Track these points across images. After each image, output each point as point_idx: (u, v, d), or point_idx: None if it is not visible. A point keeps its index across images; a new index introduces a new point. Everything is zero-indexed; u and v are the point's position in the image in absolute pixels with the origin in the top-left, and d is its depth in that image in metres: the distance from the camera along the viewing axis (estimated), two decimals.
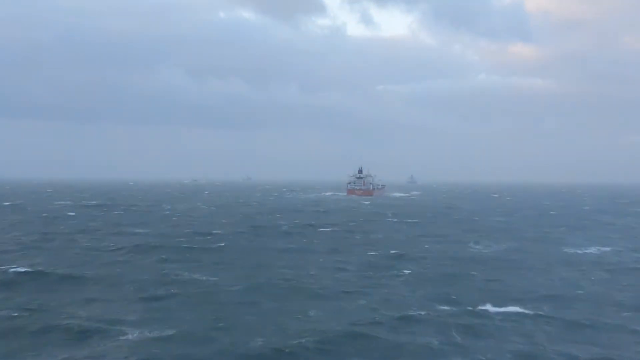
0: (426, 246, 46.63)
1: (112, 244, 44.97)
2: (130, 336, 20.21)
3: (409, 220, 72.77)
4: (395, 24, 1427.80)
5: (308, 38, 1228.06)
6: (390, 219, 76.26)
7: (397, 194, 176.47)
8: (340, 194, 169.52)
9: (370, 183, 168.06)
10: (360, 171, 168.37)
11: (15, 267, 32.41)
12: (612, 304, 26.17)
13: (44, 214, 75.69)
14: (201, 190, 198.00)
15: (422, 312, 23.56)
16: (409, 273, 33.22)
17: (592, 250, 45.30)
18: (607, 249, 46.13)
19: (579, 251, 44.51)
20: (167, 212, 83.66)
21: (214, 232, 53.97)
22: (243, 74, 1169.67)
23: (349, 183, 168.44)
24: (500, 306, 24.62)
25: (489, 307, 24.34)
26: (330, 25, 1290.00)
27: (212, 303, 25.07)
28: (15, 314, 22.92)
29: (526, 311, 23.83)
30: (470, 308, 24.48)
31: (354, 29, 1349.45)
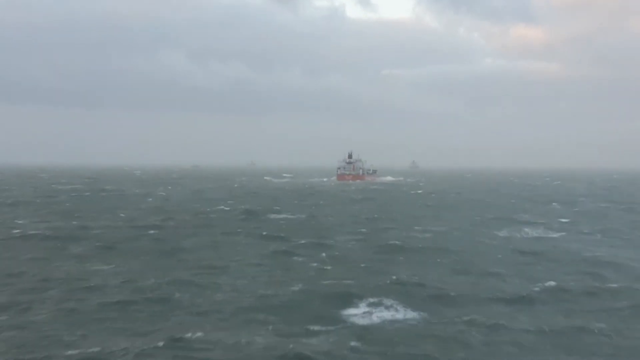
0: (364, 230, 44.96)
1: (47, 232, 43.27)
2: None
3: (375, 205, 70.97)
4: (394, 5, 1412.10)
5: (307, 20, 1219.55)
6: (355, 203, 74.48)
7: (389, 179, 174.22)
8: (332, 178, 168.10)
9: (360, 168, 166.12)
10: (350, 156, 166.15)
11: None
12: (498, 300, 24.14)
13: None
14: (191, 176, 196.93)
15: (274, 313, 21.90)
16: (314, 263, 31.47)
17: (529, 234, 44.19)
18: (556, 235, 44.43)
19: (512, 235, 43.45)
20: (133, 198, 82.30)
21: (158, 219, 52.42)
22: (246, 58, 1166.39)
23: (339, 168, 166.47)
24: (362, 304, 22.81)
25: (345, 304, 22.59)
26: (329, 6, 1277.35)
27: (74, 309, 22.93)
28: None
29: (391, 314, 21.77)
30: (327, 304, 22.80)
31: (352, 10, 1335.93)
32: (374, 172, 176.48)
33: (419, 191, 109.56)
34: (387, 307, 21.95)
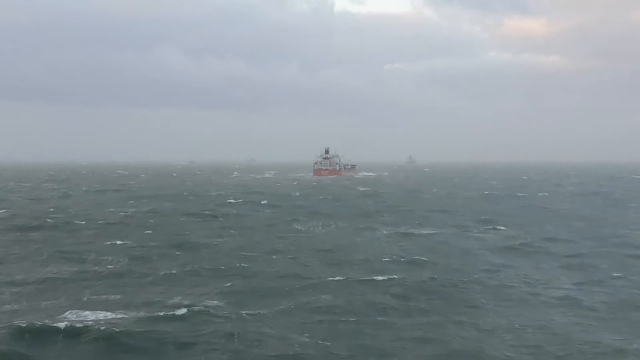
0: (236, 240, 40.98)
1: None
2: None
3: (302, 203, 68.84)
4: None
5: (300, 14, 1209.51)
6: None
7: (365, 174, 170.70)
8: (309, 174, 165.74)
9: (337, 163, 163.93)
10: (326, 151, 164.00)
11: None
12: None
13: None
14: (170, 173, 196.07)
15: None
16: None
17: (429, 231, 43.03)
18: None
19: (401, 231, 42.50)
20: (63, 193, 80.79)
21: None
22: (242, 54, 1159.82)
23: (316, 164, 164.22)
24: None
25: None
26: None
27: None
28: None
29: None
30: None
31: (349, 4, 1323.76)
32: (353, 167, 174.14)
33: (364, 188, 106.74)
34: None
